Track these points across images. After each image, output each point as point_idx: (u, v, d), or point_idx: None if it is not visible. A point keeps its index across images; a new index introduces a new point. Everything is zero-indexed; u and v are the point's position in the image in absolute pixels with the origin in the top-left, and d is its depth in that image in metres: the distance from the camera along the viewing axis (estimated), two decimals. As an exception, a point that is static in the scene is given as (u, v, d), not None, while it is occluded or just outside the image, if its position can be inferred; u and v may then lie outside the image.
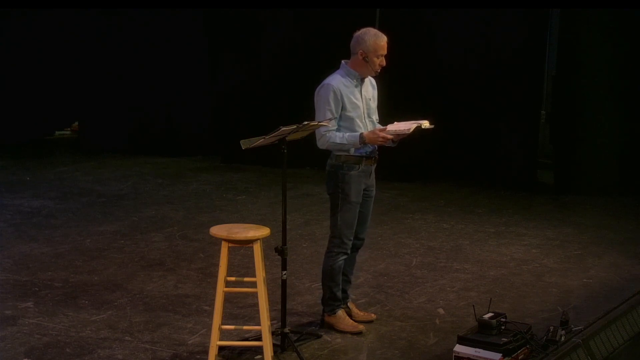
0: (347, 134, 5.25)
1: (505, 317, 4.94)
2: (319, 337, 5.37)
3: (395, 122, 5.31)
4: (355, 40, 5.30)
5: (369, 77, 5.42)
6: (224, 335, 5.04)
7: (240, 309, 5.80)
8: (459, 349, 4.78)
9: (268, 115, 10.37)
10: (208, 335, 5.02)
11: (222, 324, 4.92)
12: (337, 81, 5.26)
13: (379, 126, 5.43)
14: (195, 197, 9.34)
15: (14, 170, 10.64)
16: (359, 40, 5.27)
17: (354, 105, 5.29)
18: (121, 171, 10.69)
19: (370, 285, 6.41)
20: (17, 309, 5.77)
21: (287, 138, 4.95)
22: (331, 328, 5.47)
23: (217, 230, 4.93)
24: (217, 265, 4.93)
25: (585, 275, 6.75)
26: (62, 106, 12.59)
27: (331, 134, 5.24)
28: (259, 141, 4.86)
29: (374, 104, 5.47)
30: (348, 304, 5.64)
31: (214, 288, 4.96)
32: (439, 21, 10.06)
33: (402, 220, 8.42)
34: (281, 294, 5.13)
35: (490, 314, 4.92)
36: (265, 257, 5.02)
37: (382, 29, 5.46)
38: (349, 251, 5.44)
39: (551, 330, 4.85)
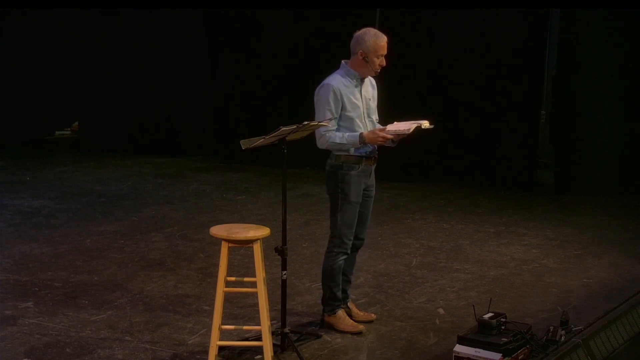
0: (347, 133, 5.25)
1: (505, 317, 4.94)
2: (319, 337, 5.37)
3: (395, 122, 5.31)
4: (355, 40, 5.30)
5: (369, 77, 5.42)
6: (224, 335, 5.04)
7: (240, 309, 5.80)
8: (459, 349, 4.78)
9: (268, 115, 10.36)
10: (208, 335, 5.02)
11: (222, 324, 4.92)
12: (337, 81, 5.26)
13: (378, 126, 5.43)
14: (195, 197, 9.34)
15: (14, 170, 10.64)
16: (359, 40, 5.27)
17: (353, 105, 5.29)
18: (121, 171, 10.69)
19: (370, 285, 6.41)
20: (17, 309, 5.77)
21: (287, 138, 4.95)
22: (331, 328, 5.47)
23: (217, 230, 4.93)
24: (217, 265, 4.93)
25: (585, 275, 6.75)
26: (62, 106, 12.59)
27: (331, 133, 5.24)
28: (259, 141, 4.86)
29: (373, 104, 5.47)
30: (348, 304, 5.64)
31: (214, 288, 4.97)
32: (439, 21, 10.06)
33: (402, 220, 8.42)
34: (281, 294, 5.13)
35: (490, 314, 4.92)
36: (265, 257, 5.02)
37: (382, 29, 5.47)
38: (349, 251, 5.44)
39: (551, 330, 4.85)
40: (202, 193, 9.57)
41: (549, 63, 10.26)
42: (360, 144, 5.24)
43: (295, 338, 5.20)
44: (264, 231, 4.94)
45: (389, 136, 5.24)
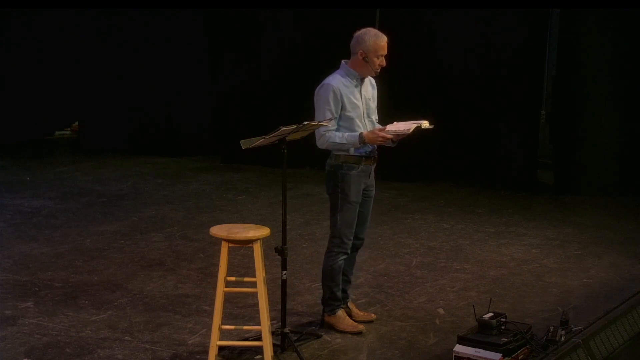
0: (347, 133, 5.25)
1: (505, 317, 4.94)
2: (319, 337, 5.37)
3: (395, 122, 5.31)
4: (355, 40, 5.30)
5: (369, 77, 5.42)
6: (224, 335, 5.04)
7: (240, 309, 5.80)
8: (459, 349, 4.78)
9: (268, 115, 10.36)
10: (208, 335, 5.02)
11: (222, 324, 4.92)
12: (336, 81, 5.26)
13: (378, 126, 5.43)
14: (195, 197, 9.34)
15: (14, 170, 10.64)
16: (359, 40, 5.27)
17: (353, 105, 5.29)
18: (121, 171, 10.69)
19: (370, 285, 6.41)
20: (17, 309, 5.77)
21: (287, 138, 4.95)
22: (331, 328, 5.47)
23: (217, 230, 4.93)
24: (217, 265, 4.93)
25: (585, 275, 6.75)
26: (62, 106, 12.59)
27: (331, 133, 5.24)
28: (259, 141, 4.86)
29: (373, 104, 5.48)
30: (348, 304, 5.64)
31: (214, 288, 4.97)
32: (439, 21, 10.06)
33: (402, 220, 8.42)
34: (281, 294, 5.13)
35: (490, 314, 4.92)
36: (265, 257, 5.02)
37: (382, 29, 5.47)
38: (349, 251, 5.44)
39: (551, 330, 4.85)
40: (202, 193, 9.57)
41: (549, 63, 10.26)
42: (360, 144, 5.24)
43: (295, 338, 5.20)
44: (264, 231, 4.94)
45: (389, 136, 5.24)
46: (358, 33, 5.32)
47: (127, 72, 11.76)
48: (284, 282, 5.11)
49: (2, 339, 5.24)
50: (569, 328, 4.88)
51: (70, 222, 8.14)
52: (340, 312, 5.49)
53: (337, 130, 5.27)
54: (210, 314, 5.22)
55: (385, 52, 5.27)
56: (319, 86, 5.30)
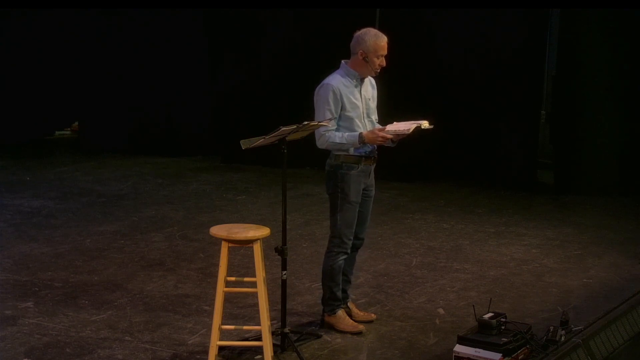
0: (347, 133, 5.25)
1: (505, 317, 4.94)
2: (319, 337, 5.37)
3: (395, 122, 5.31)
4: (355, 40, 5.30)
5: (369, 77, 5.42)
6: (224, 335, 5.04)
7: (240, 309, 5.80)
8: (459, 349, 4.78)
9: (268, 115, 10.36)
10: (208, 335, 5.02)
11: (222, 324, 4.92)
12: (336, 81, 5.26)
13: (378, 126, 5.43)
14: (195, 197, 9.34)
15: (14, 170, 10.64)
16: (359, 40, 5.27)
17: (353, 105, 5.29)
18: (121, 171, 10.69)
19: (370, 285, 6.41)
20: (17, 309, 5.77)
21: (287, 138, 4.96)
22: (331, 328, 5.47)
23: (217, 230, 4.93)
24: (217, 265, 4.93)
25: (585, 275, 6.75)
26: (62, 106, 12.59)
27: (330, 133, 5.24)
28: (259, 141, 4.86)
29: (373, 104, 5.48)
30: (348, 304, 5.64)
31: (214, 288, 4.96)
32: (439, 21, 10.06)
33: (402, 220, 8.42)
34: (281, 294, 5.13)
35: (490, 314, 4.92)
36: (265, 257, 5.02)
37: (382, 29, 5.47)
38: (348, 251, 5.44)
39: (551, 330, 4.85)
40: (202, 193, 9.57)
41: (549, 63, 10.26)
42: (359, 143, 5.24)
43: (295, 338, 5.20)
44: (264, 231, 4.94)
45: (389, 136, 5.24)
46: (358, 33, 5.32)
47: (127, 72, 11.76)
48: (284, 282, 5.11)
49: (2, 339, 5.24)
50: (569, 328, 4.88)
51: (70, 222, 8.14)
52: (340, 312, 5.49)
53: (337, 130, 5.27)
54: (210, 314, 5.22)
55: (385, 52, 5.27)
56: (319, 86, 5.30)
